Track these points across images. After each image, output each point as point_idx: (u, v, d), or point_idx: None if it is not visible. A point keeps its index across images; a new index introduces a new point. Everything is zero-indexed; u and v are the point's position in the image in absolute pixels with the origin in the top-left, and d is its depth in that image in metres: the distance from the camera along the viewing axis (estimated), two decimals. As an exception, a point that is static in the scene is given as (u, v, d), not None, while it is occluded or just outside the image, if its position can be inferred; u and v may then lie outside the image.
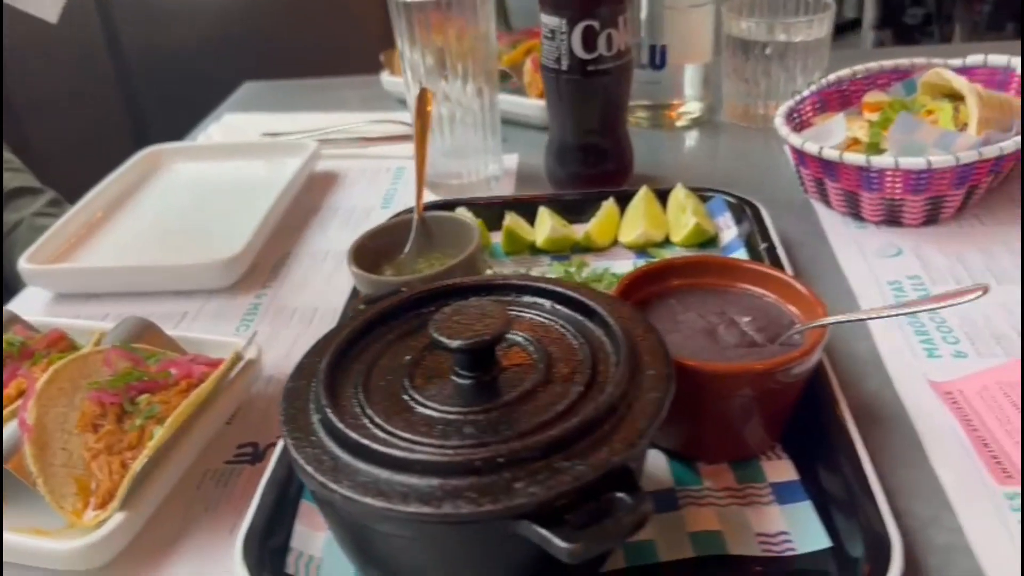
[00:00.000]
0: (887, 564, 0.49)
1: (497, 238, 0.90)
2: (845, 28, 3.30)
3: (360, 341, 0.55)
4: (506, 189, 1.06)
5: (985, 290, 0.53)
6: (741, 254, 0.84)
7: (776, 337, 0.61)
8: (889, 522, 0.51)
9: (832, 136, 0.93)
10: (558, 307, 0.57)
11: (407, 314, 0.57)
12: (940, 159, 0.82)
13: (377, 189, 1.08)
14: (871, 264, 0.84)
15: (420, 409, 0.49)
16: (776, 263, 0.79)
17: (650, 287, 0.67)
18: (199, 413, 0.62)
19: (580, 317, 0.56)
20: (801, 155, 0.91)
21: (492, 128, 1.02)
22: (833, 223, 0.92)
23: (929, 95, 0.97)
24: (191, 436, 0.62)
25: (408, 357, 0.54)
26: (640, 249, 0.88)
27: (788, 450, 0.61)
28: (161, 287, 0.86)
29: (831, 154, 0.86)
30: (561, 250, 0.89)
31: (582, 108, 0.96)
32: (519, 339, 0.54)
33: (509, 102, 1.23)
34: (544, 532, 0.42)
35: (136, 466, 0.55)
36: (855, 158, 0.84)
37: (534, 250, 0.89)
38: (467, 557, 0.46)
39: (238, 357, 0.65)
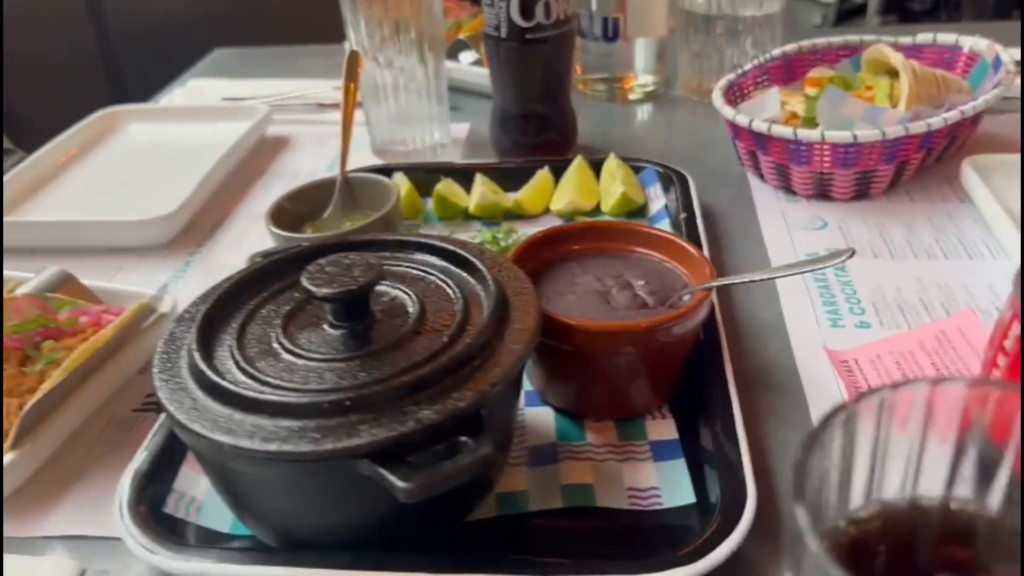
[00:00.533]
0: (739, 513, 0.50)
1: (431, 204, 0.91)
2: (851, 13, 3.27)
3: (247, 290, 0.57)
4: (453, 157, 1.07)
5: (852, 253, 0.54)
6: (665, 224, 0.85)
7: (666, 300, 0.62)
8: (747, 475, 0.53)
9: (766, 110, 0.94)
10: (446, 264, 0.59)
11: (296, 267, 0.58)
12: (866, 133, 0.82)
13: (325, 153, 1.09)
14: (794, 236, 0.85)
15: (286, 356, 0.50)
16: (693, 233, 0.80)
17: (552, 250, 0.68)
18: (104, 360, 0.64)
19: (464, 274, 0.57)
20: (735, 128, 0.92)
21: (438, 96, 1.03)
22: (764, 196, 0.93)
23: (871, 71, 0.97)
24: (95, 382, 0.64)
25: (288, 307, 0.55)
26: (569, 217, 0.89)
27: (674, 410, 0.63)
28: (97, 243, 0.88)
29: (760, 126, 0.86)
30: (493, 216, 0.90)
31: (522, 76, 0.97)
32: (398, 292, 0.55)
33: (467, 72, 1.24)
34: (381, 471, 0.43)
35: (27, 407, 0.57)
36: (783, 131, 0.85)
37: (467, 216, 0.91)
38: (322, 497, 0.48)
39: (145, 308, 0.67)
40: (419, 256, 0.60)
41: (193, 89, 1.33)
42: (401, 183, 0.90)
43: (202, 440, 0.45)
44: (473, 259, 0.57)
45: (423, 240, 0.60)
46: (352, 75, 0.85)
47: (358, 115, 1.05)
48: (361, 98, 1.03)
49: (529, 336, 0.51)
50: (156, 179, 1.02)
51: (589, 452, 0.59)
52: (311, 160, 1.08)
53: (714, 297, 0.65)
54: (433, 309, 0.54)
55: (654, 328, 0.57)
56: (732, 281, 0.60)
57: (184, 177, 0.96)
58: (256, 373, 0.49)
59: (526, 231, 0.86)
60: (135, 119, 1.16)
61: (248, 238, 0.91)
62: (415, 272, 0.58)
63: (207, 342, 0.51)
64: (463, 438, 0.45)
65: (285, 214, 0.76)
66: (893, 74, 0.93)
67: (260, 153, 1.09)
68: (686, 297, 0.62)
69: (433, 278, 0.57)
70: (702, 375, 0.63)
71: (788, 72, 1.04)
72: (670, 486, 0.56)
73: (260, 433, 0.44)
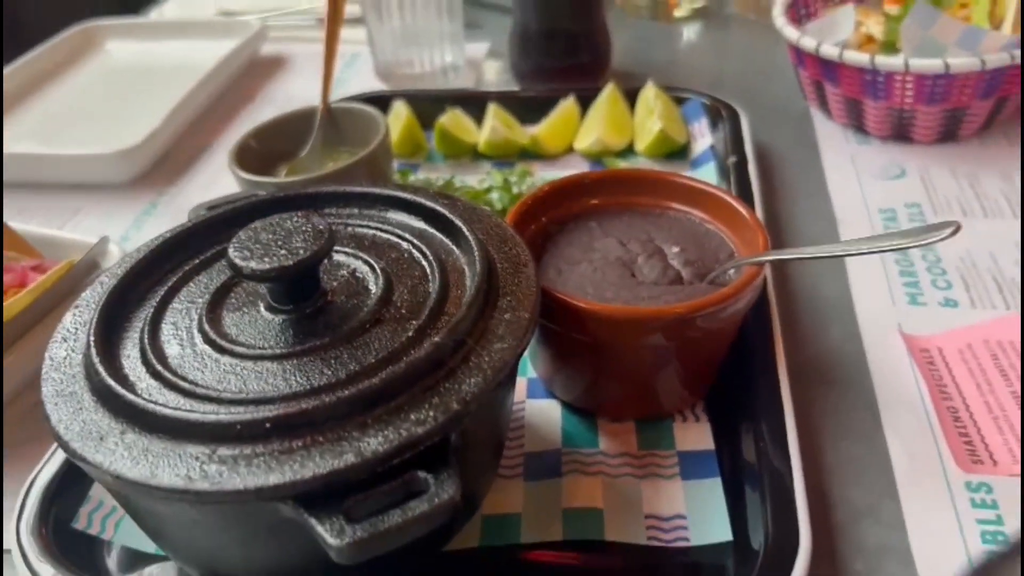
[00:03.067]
0: (789, 567, 0.39)
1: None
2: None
3: (172, 258, 0.45)
4: (469, 84, 0.93)
5: (956, 229, 0.41)
6: (711, 168, 0.71)
7: (706, 273, 0.49)
8: (802, 515, 0.41)
9: (838, 31, 0.78)
10: (425, 227, 0.46)
11: (241, 226, 0.46)
12: (962, 61, 0.67)
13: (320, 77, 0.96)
14: (865, 187, 0.70)
15: (204, 348, 0.39)
16: (743, 181, 0.66)
17: (568, 204, 0.55)
18: (25, 330, 0.54)
19: (446, 240, 0.45)
20: (799, 53, 0.77)
21: (450, 10, 0.89)
22: (831, 136, 0.78)
23: (968, -15, 0.81)
24: (14, 357, 0.53)
25: (221, 281, 0.43)
26: (596, 158, 0.76)
27: (710, 411, 0.51)
28: (55, 179, 0.77)
29: (829, 51, 0.71)
30: (506, 155, 0.77)
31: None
32: (359, 264, 0.44)
33: (489, -17, 1.09)
34: (311, 520, 0.32)
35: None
36: (857, 57, 0.70)
37: (476, 154, 0.78)
38: (242, 538, 0.37)
39: (71, 266, 0.56)
40: (393, 215, 0.48)
41: (187, 1, 1.20)
42: (400, 114, 0.77)
43: (83, 462, 0.34)
44: (457, 222, 0.44)
45: (398, 195, 0.48)
46: (338, -16, 0.71)
47: (359, 32, 0.92)
48: (362, 12, 0.89)
49: (521, 331, 0.39)
50: (132, 106, 0.91)
51: (601, 464, 0.48)
52: (307, 85, 0.95)
53: (767, 272, 0.52)
54: (402, 288, 0.42)
55: (691, 314, 0.45)
56: (792, 256, 0.47)
57: (163, 105, 0.84)
58: (164, 371, 0.38)
59: (545, 174, 0.74)
60: (113, 35, 1.04)
61: (226, 177, 0.79)
62: (385, 236, 0.46)
63: (111, 329, 0.40)
64: (421, 474, 0.34)
65: (253, 153, 0.64)
66: (995, -12, 0.77)
67: (250, 76, 0.97)
68: (732, 272, 0.49)
69: (407, 245, 0.45)
70: (747, 367, 0.50)
71: (865, -14, 0.87)
72: (701, 515, 0.44)
73: (149, 460, 0.33)
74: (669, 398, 0.50)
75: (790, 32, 0.75)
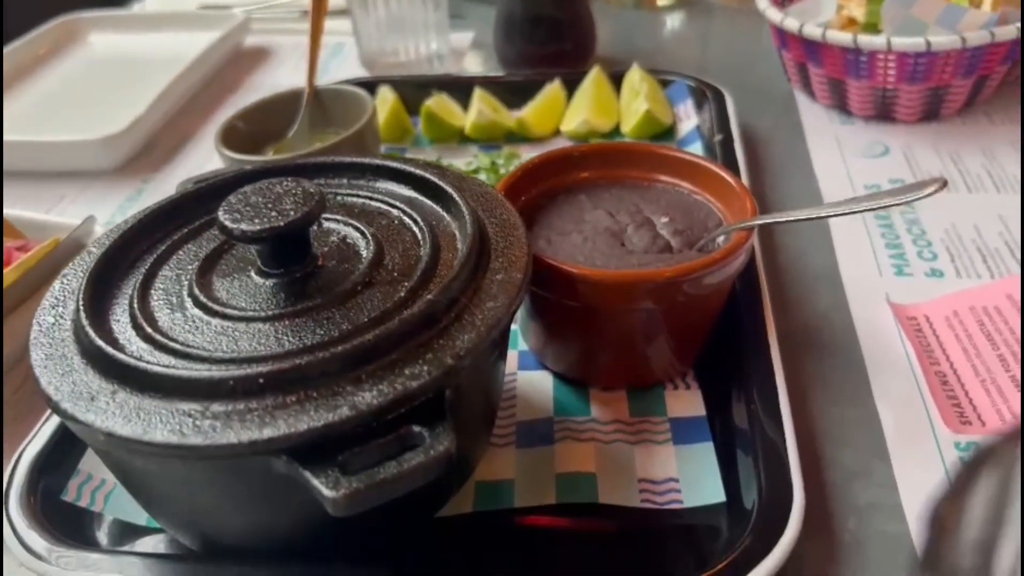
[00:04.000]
0: (782, 525, 0.39)
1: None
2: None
3: (162, 226, 0.45)
4: (453, 71, 0.93)
5: (943, 184, 0.41)
6: (697, 148, 0.72)
7: (695, 241, 0.50)
8: (794, 470, 0.41)
9: (821, 13, 0.79)
10: (414, 195, 0.46)
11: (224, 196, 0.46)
12: (942, 40, 0.68)
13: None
14: (850, 164, 0.71)
15: (195, 311, 0.39)
16: (730, 159, 0.66)
17: (556, 178, 0.55)
18: (12, 308, 0.53)
19: (437, 208, 0.45)
20: (782, 34, 0.78)
21: (435, 0, 0.89)
22: (815, 117, 0.79)
23: (946, -33, 0.82)
24: (7, 331, 0.53)
25: (211, 247, 0.43)
26: (583, 139, 0.76)
27: (701, 379, 0.51)
28: (39, 166, 0.77)
29: (813, 32, 0.72)
30: (492, 138, 0.77)
31: (531, -28, 0.83)
32: (349, 230, 0.43)
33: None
34: (305, 473, 0.32)
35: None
36: (840, 37, 0.71)
37: (462, 138, 0.78)
38: (237, 497, 0.37)
39: (57, 244, 0.55)
40: (382, 184, 0.48)
41: (169, -4, 1.20)
42: (386, 98, 0.77)
43: (73, 422, 0.34)
44: (446, 187, 0.44)
45: (387, 164, 0.48)
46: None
47: (344, 23, 0.92)
48: (347, 2, 0.90)
49: (513, 290, 0.39)
50: (116, 96, 0.90)
51: (593, 430, 0.48)
52: (291, 75, 0.95)
53: (755, 239, 0.53)
54: (393, 252, 0.42)
55: (680, 278, 0.45)
56: (779, 219, 0.47)
57: (148, 94, 0.84)
58: (154, 334, 0.37)
59: (532, 156, 0.74)
60: (96, 27, 1.03)
61: (212, 163, 0.79)
62: (374, 205, 0.46)
63: (100, 294, 0.40)
64: (416, 427, 0.33)
65: (240, 135, 0.64)
66: (974, -30, 0.78)
67: (235, 66, 0.96)
68: (720, 239, 0.49)
69: (397, 212, 0.45)
70: (737, 335, 0.50)
71: (845, -30, 0.88)
72: (693, 479, 0.44)
73: (142, 417, 0.33)
74: (660, 366, 0.50)
75: (773, 14, 0.76)
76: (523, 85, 0.81)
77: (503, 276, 0.39)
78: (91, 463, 0.46)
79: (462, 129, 0.77)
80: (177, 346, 0.37)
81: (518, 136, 0.77)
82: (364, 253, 0.42)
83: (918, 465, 0.45)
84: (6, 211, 0.61)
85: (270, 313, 0.38)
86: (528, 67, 0.86)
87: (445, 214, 0.45)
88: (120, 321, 0.39)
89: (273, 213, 0.38)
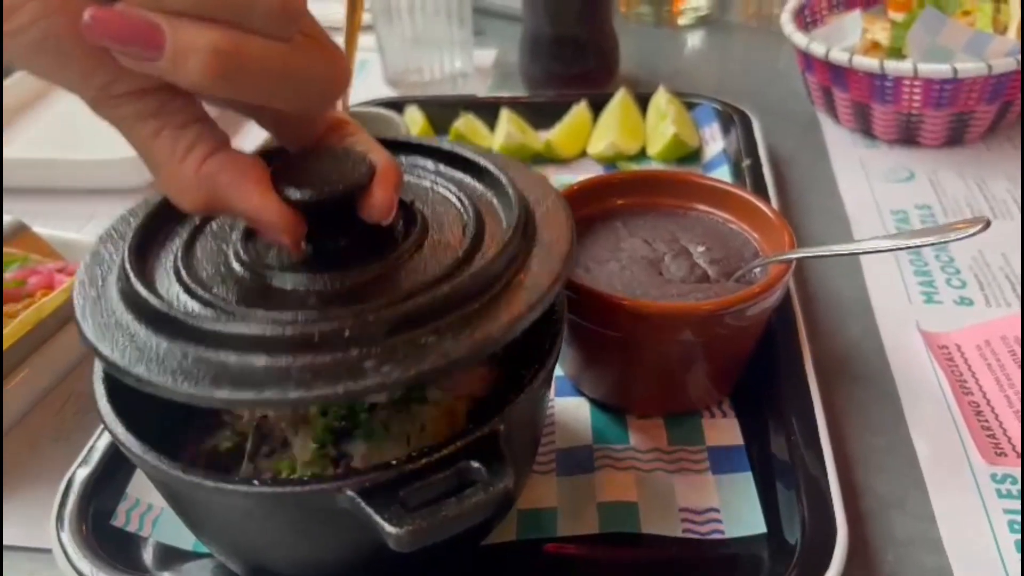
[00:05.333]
0: (827, 560, 0.39)
1: (449, 143, 0.79)
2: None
3: None
4: (477, 90, 0.94)
5: (986, 224, 0.42)
6: (724, 171, 0.72)
7: (733, 271, 0.50)
8: (837, 508, 0.41)
9: (846, 37, 0.79)
10: (464, 176, 0.45)
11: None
12: (969, 67, 0.68)
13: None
14: (875, 189, 0.72)
15: (242, 272, 0.38)
16: (759, 183, 0.67)
17: (592, 206, 0.56)
18: (57, 328, 0.54)
19: (476, 184, 0.44)
20: (807, 58, 0.78)
21: (460, 17, 0.89)
22: (839, 140, 0.79)
23: (970, -8, 0.82)
24: (46, 354, 0.53)
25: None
26: (610, 162, 0.77)
27: (737, 407, 0.51)
28: (68, 185, 0.77)
29: (839, 57, 0.73)
30: (520, 160, 0.77)
31: (558, -9, 0.83)
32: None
33: (494, -9, 1.10)
34: (368, 510, 0.33)
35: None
36: (867, 63, 0.71)
37: (490, 158, 0.78)
38: (294, 530, 0.37)
39: (101, 267, 0.56)
40: (425, 162, 0.47)
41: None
42: (414, 119, 0.78)
43: (150, 386, 0.33)
44: (490, 166, 0.43)
45: (430, 144, 0.47)
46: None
47: (370, 40, 0.93)
48: (372, 19, 0.90)
49: (565, 250, 0.38)
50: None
51: (633, 459, 0.48)
52: (317, 91, 0.95)
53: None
54: (437, 220, 0.41)
55: (722, 311, 0.45)
56: (820, 254, 0.48)
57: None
58: (208, 296, 0.36)
59: (559, 178, 0.74)
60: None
61: (241, 180, 0.80)
62: (418, 181, 0.45)
63: (143, 263, 0.39)
64: (475, 463, 0.34)
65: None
66: (998, -4, 0.78)
67: (260, 82, 0.97)
68: (757, 270, 0.50)
69: (443, 190, 0.44)
70: (773, 364, 0.51)
71: (869, -7, 0.89)
72: (734, 509, 0.45)
73: (228, 375, 0.32)
74: (697, 394, 0.51)
75: (799, 38, 0.76)
76: (549, 106, 0.82)
77: (549, 237, 0.39)
78: (139, 487, 0.46)
79: (490, 150, 0.78)
80: (238, 310, 0.35)
81: (545, 157, 0.77)
82: (416, 223, 0.41)
83: (955, 496, 0.45)
84: (40, 229, 0.62)
85: (326, 276, 0.37)
86: (553, 87, 0.87)
87: (483, 187, 0.44)
88: (172, 291, 0.38)
89: (335, 175, 0.37)
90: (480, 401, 0.43)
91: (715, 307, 0.46)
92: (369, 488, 0.33)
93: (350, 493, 0.33)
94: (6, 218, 0.62)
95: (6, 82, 0.92)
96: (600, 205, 0.56)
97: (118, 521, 0.45)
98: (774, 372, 0.50)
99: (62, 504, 0.44)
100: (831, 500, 0.42)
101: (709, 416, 0.51)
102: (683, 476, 0.47)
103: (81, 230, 0.73)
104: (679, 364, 0.49)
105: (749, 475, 0.47)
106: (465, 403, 0.42)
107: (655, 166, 0.76)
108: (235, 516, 0.37)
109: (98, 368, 0.40)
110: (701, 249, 0.52)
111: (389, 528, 0.32)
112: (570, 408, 0.52)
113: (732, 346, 0.50)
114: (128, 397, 0.39)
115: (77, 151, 0.82)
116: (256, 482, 0.34)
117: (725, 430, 0.50)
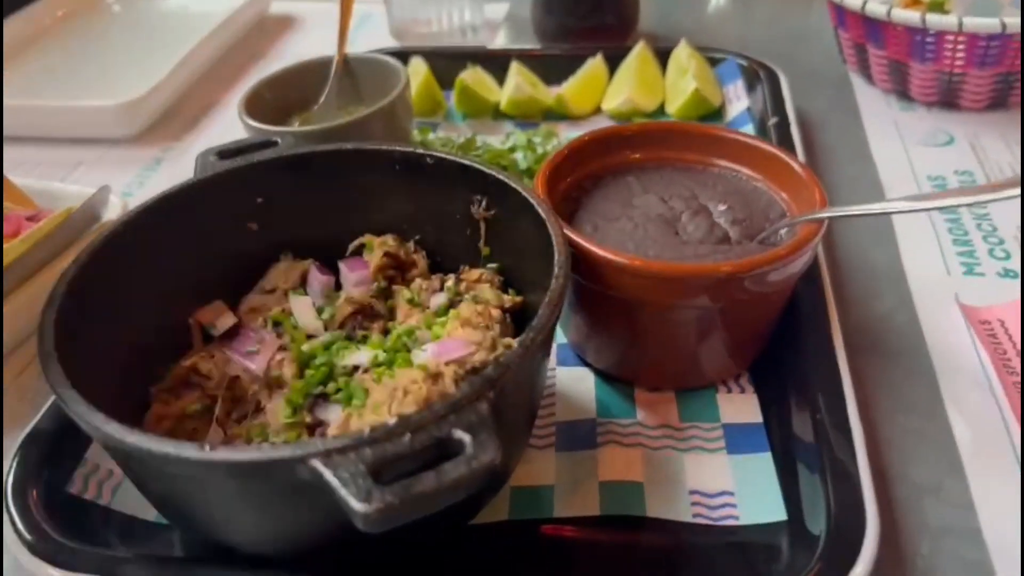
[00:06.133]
0: (855, 552, 0.35)
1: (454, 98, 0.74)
2: None
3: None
4: (487, 44, 0.89)
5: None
6: (748, 130, 0.67)
7: (757, 233, 0.46)
8: (867, 494, 0.37)
9: (884, -10, 0.74)
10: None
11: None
12: (1018, 21, 0.63)
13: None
14: (911, 153, 0.67)
15: None
16: (786, 144, 0.62)
17: (603, 159, 0.51)
18: (21, 281, 0.50)
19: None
20: (840, 12, 0.73)
21: (471, -34, 0.84)
22: (872, 102, 0.74)
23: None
24: (6, 310, 0.49)
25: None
26: (625, 119, 0.72)
27: (756, 381, 0.47)
28: (55, 132, 0.74)
29: (876, 10, 0.67)
30: (529, 115, 0.73)
31: (573, -60, 0.78)
32: None
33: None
34: (333, 481, 0.28)
35: None
36: (906, 16, 0.66)
37: (497, 113, 0.74)
38: (257, 504, 0.33)
39: (69, 213, 0.52)
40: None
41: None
42: (418, 70, 0.73)
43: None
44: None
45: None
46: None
47: (375, -11, 0.88)
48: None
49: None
50: (136, 61, 0.86)
51: (640, 435, 0.44)
52: (318, 43, 0.90)
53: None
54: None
55: (742, 273, 0.41)
56: (854, 212, 0.43)
57: (169, 60, 0.80)
58: None
59: (571, 135, 0.69)
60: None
61: (234, 132, 0.75)
62: None
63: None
64: (457, 433, 0.30)
65: (265, 104, 0.60)
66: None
67: (260, 33, 0.93)
68: (783, 232, 0.45)
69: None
70: (797, 335, 0.46)
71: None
72: (750, 493, 0.41)
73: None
74: (712, 367, 0.47)
75: (833, -11, 0.71)
76: (562, 60, 0.77)
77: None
78: (99, 452, 0.42)
79: (497, 104, 0.73)
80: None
81: (556, 113, 0.73)
82: None
83: (996, 484, 0.41)
84: (17, 179, 0.58)
85: None
86: (567, 41, 0.82)
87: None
88: None
89: None
90: (473, 370, 0.38)
91: (735, 269, 0.41)
92: (335, 458, 0.29)
93: (313, 463, 0.29)
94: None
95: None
96: (611, 159, 0.51)
97: (75, 488, 0.41)
98: (798, 344, 0.46)
99: (11, 470, 0.40)
100: (860, 486, 0.37)
101: (725, 391, 0.46)
102: (695, 455, 0.43)
103: (67, 178, 0.70)
104: (694, 333, 0.44)
105: (768, 456, 0.42)
106: (454, 368, 0.38)
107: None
108: (190, 487, 0.34)
109: (49, 316, 0.36)
110: (722, 208, 0.47)
111: (356, 505, 0.28)
112: (573, 379, 0.48)
113: (753, 314, 0.45)
114: (85, 354, 0.35)
115: (64, 97, 0.78)
116: (207, 447, 0.30)
117: (742, 406, 0.45)
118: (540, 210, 0.40)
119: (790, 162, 0.47)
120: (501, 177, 0.43)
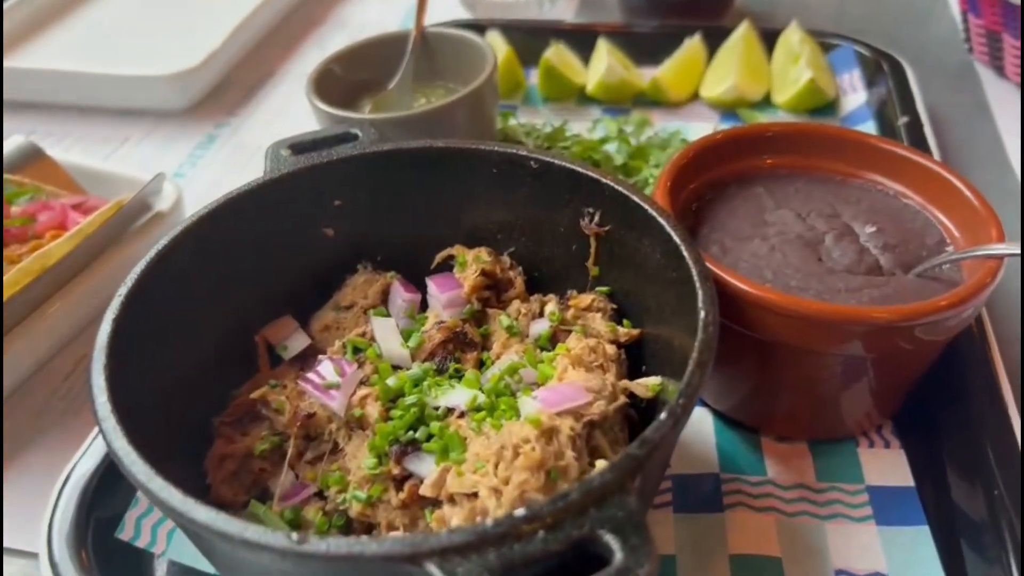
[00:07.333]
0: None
1: (535, 78, 0.67)
2: None
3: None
4: (564, 16, 0.82)
5: None
6: (868, 129, 0.60)
7: (912, 262, 0.39)
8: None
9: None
10: None
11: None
12: None
13: (401, 2, 0.85)
14: (1056, 160, 0.59)
15: None
16: (920, 148, 0.55)
17: (727, 165, 0.45)
18: (67, 279, 0.45)
19: None
20: (975, -5, 0.65)
21: (551, -70, 0.77)
22: (1005, 98, 0.66)
23: None
24: (53, 310, 0.44)
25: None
26: (728, 108, 0.64)
27: (901, 433, 0.40)
28: (101, 102, 0.68)
29: (1025, -6, 0.59)
30: (619, 100, 0.66)
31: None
32: None
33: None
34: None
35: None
36: (1062, 2, 0.58)
37: (583, 97, 0.67)
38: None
39: (120, 207, 0.46)
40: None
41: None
42: (497, 46, 0.67)
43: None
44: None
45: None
46: None
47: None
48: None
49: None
50: (189, 25, 0.80)
51: (772, 496, 0.38)
52: (381, 10, 0.84)
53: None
54: None
55: (913, 321, 0.34)
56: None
57: (224, 25, 0.73)
58: None
59: (666, 125, 0.63)
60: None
61: (292, 109, 0.69)
62: None
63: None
64: (605, 535, 0.24)
65: (335, 81, 0.54)
66: None
67: (319, -1, 0.86)
68: (946, 266, 0.38)
69: None
70: (949, 379, 0.40)
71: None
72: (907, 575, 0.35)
73: None
74: (853, 418, 0.40)
75: (970, -31, 0.63)
76: (654, 38, 0.70)
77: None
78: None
79: (583, 87, 0.66)
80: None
81: (649, 98, 0.66)
82: None
83: None
84: (64, 157, 0.53)
85: None
86: (656, 17, 0.75)
87: None
88: None
89: None
90: (590, 424, 0.32)
91: (901, 316, 0.34)
92: (453, 559, 0.24)
93: (428, 566, 0.23)
94: (16, 140, 0.53)
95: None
96: (737, 163, 0.45)
97: (125, 534, 0.36)
98: (955, 391, 0.39)
99: (55, 507, 0.35)
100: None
101: (867, 444, 0.40)
102: (838, 524, 0.37)
103: (113, 155, 0.64)
104: (838, 380, 0.38)
105: (926, 529, 0.36)
106: (570, 424, 0.32)
107: (781, 116, 0.63)
108: (272, 568, 0.28)
109: (99, 356, 0.30)
110: (871, 230, 0.41)
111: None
112: (691, 421, 0.42)
113: (910, 362, 0.38)
114: (139, 379, 0.30)
115: (111, 65, 0.72)
116: (295, 536, 0.25)
117: (889, 465, 0.39)
118: (674, 235, 0.34)
119: (955, 182, 0.40)
120: (621, 189, 0.37)
